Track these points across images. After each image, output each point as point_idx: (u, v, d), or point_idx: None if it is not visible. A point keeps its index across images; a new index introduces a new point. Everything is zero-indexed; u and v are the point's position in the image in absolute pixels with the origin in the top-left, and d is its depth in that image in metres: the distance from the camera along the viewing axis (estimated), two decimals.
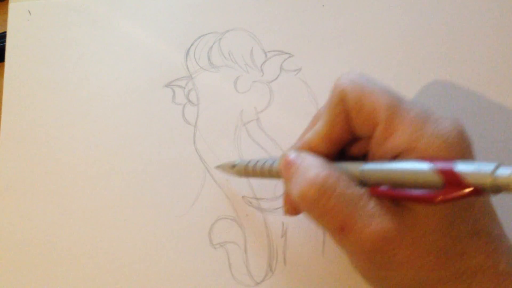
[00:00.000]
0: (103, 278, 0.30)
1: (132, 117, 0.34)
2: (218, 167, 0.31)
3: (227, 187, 0.32)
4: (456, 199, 0.18)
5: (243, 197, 0.32)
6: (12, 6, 0.37)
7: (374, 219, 0.20)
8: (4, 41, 0.36)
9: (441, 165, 0.18)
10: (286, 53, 0.35)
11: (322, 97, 0.34)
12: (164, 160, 0.33)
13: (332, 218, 0.21)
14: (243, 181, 0.32)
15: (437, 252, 0.20)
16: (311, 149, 0.24)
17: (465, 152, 0.20)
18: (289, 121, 0.33)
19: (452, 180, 0.18)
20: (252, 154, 0.33)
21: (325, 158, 0.23)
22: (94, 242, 0.31)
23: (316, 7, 0.36)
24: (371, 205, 0.20)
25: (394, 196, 0.20)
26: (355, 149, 0.24)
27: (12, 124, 0.34)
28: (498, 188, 0.17)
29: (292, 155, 0.23)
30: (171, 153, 0.33)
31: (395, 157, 0.21)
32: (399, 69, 0.34)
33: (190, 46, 0.35)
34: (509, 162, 0.32)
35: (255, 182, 0.32)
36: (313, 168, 0.22)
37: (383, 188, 0.20)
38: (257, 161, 0.27)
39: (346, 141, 0.24)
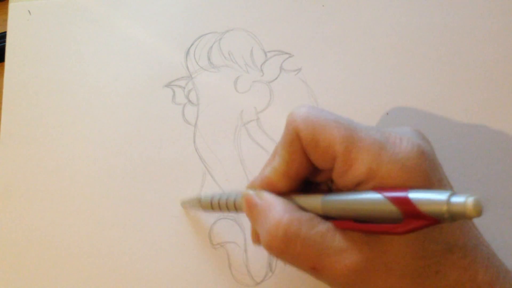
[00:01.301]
0: (103, 278, 0.30)
1: (132, 117, 0.34)
2: (183, 202, 0.31)
3: (227, 187, 0.32)
4: (416, 230, 0.18)
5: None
6: (12, 6, 0.37)
7: (343, 254, 0.20)
8: (4, 41, 0.36)
9: (395, 195, 0.19)
10: (286, 53, 0.35)
11: (322, 97, 0.34)
12: (164, 160, 0.33)
13: (302, 262, 0.21)
14: (243, 181, 0.32)
15: (411, 274, 0.20)
16: (271, 186, 0.24)
17: (426, 172, 0.20)
18: None
19: (409, 211, 0.18)
20: (252, 154, 0.33)
21: (286, 193, 0.23)
22: (94, 242, 0.31)
23: (316, 7, 0.36)
24: (337, 240, 0.21)
25: (357, 229, 0.20)
26: (319, 178, 0.24)
27: (12, 124, 0.34)
28: (454, 217, 0.17)
29: (252, 196, 0.24)
30: (171, 153, 0.33)
31: (358, 185, 0.21)
32: (399, 69, 0.34)
33: (190, 46, 0.35)
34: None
35: None
36: (273, 213, 0.22)
37: (346, 221, 0.21)
38: (221, 196, 0.27)
39: (306, 174, 0.23)
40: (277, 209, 0.22)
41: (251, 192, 0.24)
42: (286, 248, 0.21)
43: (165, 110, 0.34)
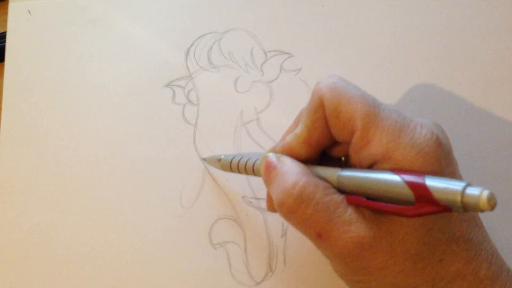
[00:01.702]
0: (103, 278, 0.30)
1: (132, 117, 0.34)
2: (204, 159, 0.32)
3: (227, 187, 0.32)
4: (426, 215, 0.18)
5: (243, 197, 0.32)
6: (12, 6, 0.37)
7: (351, 226, 0.20)
8: (4, 41, 0.36)
9: (412, 179, 0.19)
10: (286, 53, 0.35)
11: None
12: (164, 160, 0.33)
13: (310, 226, 0.21)
14: (243, 181, 0.32)
15: (414, 258, 0.20)
16: (291, 152, 0.24)
17: (441, 162, 0.20)
18: (289, 121, 0.33)
19: (423, 195, 0.18)
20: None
21: (304, 162, 0.23)
22: (94, 242, 0.31)
23: (316, 7, 0.36)
24: (348, 213, 0.21)
25: (368, 206, 0.20)
26: (337, 151, 0.24)
27: (12, 124, 0.34)
28: (466, 207, 0.17)
29: (272, 158, 0.24)
30: (171, 153, 0.33)
31: (372, 164, 0.21)
32: (399, 69, 0.34)
33: (190, 46, 0.35)
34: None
35: (255, 182, 0.32)
36: (291, 175, 0.22)
37: (358, 197, 0.21)
38: (241, 157, 0.27)
39: (326, 145, 0.24)
40: (296, 171, 0.22)
41: (271, 154, 0.24)
42: (297, 208, 0.21)
43: (165, 110, 0.34)
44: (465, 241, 0.21)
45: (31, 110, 0.34)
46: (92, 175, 0.33)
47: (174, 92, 0.34)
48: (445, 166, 0.21)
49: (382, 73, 0.34)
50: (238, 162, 0.27)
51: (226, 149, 0.33)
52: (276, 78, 0.34)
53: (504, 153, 0.32)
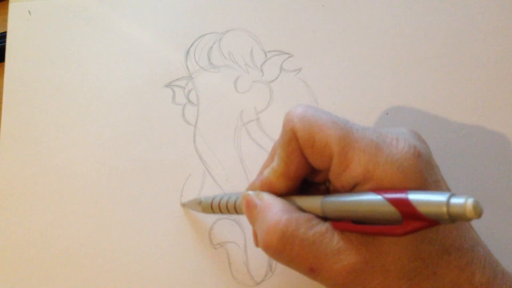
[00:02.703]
0: (103, 278, 0.30)
1: (132, 117, 0.34)
2: (183, 204, 0.31)
3: (227, 187, 0.32)
4: (415, 231, 0.18)
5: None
6: (12, 6, 0.37)
7: (340, 256, 0.20)
8: (4, 41, 0.36)
9: (395, 196, 0.19)
10: (286, 53, 0.35)
11: (322, 97, 0.34)
12: (164, 160, 0.33)
13: (299, 263, 0.21)
14: (243, 181, 0.32)
15: (408, 275, 0.20)
16: (271, 187, 0.24)
17: (422, 173, 0.20)
18: None
19: (408, 212, 0.18)
20: (252, 154, 0.33)
21: (286, 194, 0.23)
22: (94, 242, 0.31)
23: (316, 7, 0.36)
24: (335, 241, 0.21)
25: (355, 230, 0.20)
26: (318, 178, 0.24)
27: (12, 124, 0.34)
28: (453, 218, 0.17)
29: (252, 197, 0.24)
30: (171, 153, 0.33)
31: (354, 186, 0.21)
32: (399, 69, 0.34)
33: (190, 46, 0.35)
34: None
35: None
36: (271, 215, 0.22)
37: (345, 223, 0.21)
38: (221, 197, 0.27)
39: (305, 174, 0.23)
40: (275, 209, 0.22)
41: (250, 193, 0.24)
42: (283, 248, 0.21)
43: (165, 110, 0.34)
44: (456, 249, 0.21)
45: (31, 110, 0.34)
46: (92, 175, 0.33)
47: (174, 92, 0.34)
48: (427, 176, 0.20)
49: (382, 73, 0.34)
50: (219, 202, 0.27)
51: (226, 149, 0.33)
52: (276, 78, 0.34)
53: (498, 155, 0.32)
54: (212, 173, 0.32)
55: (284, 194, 0.24)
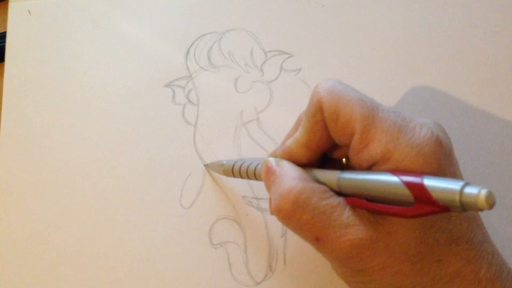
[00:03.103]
0: (103, 278, 0.30)
1: (132, 117, 0.34)
2: (207, 165, 0.32)
3: (227, 187, 0.32)
4: (426, 215, 0.18)
5: (243, 197, 0.32)
6: (12, 6, 0.37)
7: (348, 229, 0.21)
8: (4, 41, 0.36)
9: (411, 179, 0.19)
10: (286, 53, 0.35)
11: None
12: (164, 160, 0.33)
13: (307, 231, 0.21)
14: (243, 181, 0.32)
15: (412, 259, 0.21)
16: (292, 156, 0.24)
17: (441, 162, 0.20)
18: (289, 121, 0.33)
19: (422, 196, 0.18)
20: (252, 154, 0.33)
21: (305, 166, 0.24)
22: (94, 242, 0.31)
23: (316, 7, 0.36)
24: (345, 215, 0.21)
25: (368, 208, 0.21)
26: (337, 154, 0.24)
27: (12, 124, 0.34)
28: (465, 207, 0.17)
29: (272, 163, 0.24)
30: (171, 153, 0.33)
31: (372, 165, 0.21)
32: (399, 68, 0.34)
33: (190, 46, 0.35)
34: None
35: (255, 182, 0.32)
36: (288, 180, 0.22)
37: (358, 199, 0.21)
38: (243, 162, 0.28)
39: (326, 148, 0.24)
40: (292, 176, 0.22)
41: (271, 159, 0.24)
42: (294, 213, 0.21)
43: (165, 110, 0.34)
44: (466, 242, 0.21)
45: (31, 110, 0.34)
46: (92, 175, 0.33)
47: (174, 92, 0.34)
48: (445, 166, 0.20)
49: (383, 73, 0.34)
50: (240, 167, 0.28)
51: (226, 149, 0.33)
52: (276, 78, 0.34)
53: (505, 153, 0.32)
54: (212, 173, 0.32)
55: (304, 164, 0.24)
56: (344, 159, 0.25)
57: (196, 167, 0.32)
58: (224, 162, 0.29)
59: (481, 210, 0.17)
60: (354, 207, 0.21)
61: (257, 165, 0.26)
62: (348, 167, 0.24)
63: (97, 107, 0.34)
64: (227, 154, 0.33)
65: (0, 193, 0.32)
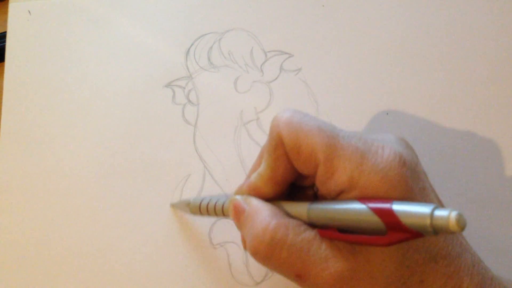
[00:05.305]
0: (103, 278, 0.30)
1: (132, 117, 0.34)
2: (173, 205, 0.31)
3: (227, 187, 0.32)
4: (399, 242, 0.18)
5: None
6: (12, 6, 0.37)
7: (328, 263, 0.20)
8: (4, 41, 0.36)
9: (379, 206, 0.18)
10: (286, 53, 0.35)
11: (322, 97, 0.34)
12: (164, 160, 0.33)
13: (287, 269, 0.21)
14: (243, 181, 0.32)
15: (395, 284, 0.20)
16: (258, 191, 0.23)
17: (408, 182, 0.20)
18: None
19: (392, 222, 0.18)
20: (252, 154, 0.33)
21: (273, 199, 0.23)
22: (94, 242, 0.31)
23: (316, 7, 0.36)
24: (323, 249, 0.21)
25: (340, 239, 0.20)
26: (305, 182, 0.24)
27: (12, 124, 0.34)
28: (436, 230, 0.17)
29: (240, 201, 0.24)
30: (171, 153, 0.33)
31: (340, 193, 0.21)
32: (399, 69, 0.34)
33: (190, 46, 0.35)
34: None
35: None
36: (260, 220, 0.22)
37: (330, 231, 0.20)
38: (210, 200, 0.27)
39: (292, 179, 0.23)
40: (264, 214, 0.22)
41: (238, 197, 0.24)
42: (271, 254, 0.21)
43: (165, 110, 0.34)
44: (443, 257, 0.21)
45: (31, 110, 0.34)
46: (91, 175, 0.33)
47: (174, 92, 0.34)
48: (413, 184, 0.20)
49: (382, 73, 0.34)
50: (207, 205, 0.27)
51: (226, 149, 0.33)
52: (276, 78, 0.34)
53: (499, 154, 0.32)
54: (212, 173, 0.32)
55: (271, 198, 0.23)
56: (315, 187, 0.25)
57: (196, 167, 0.32)
58: (191, 200, 0.29)
59: (453, 233, 0.17)
60: (327, 238, 0.21)
61: (224, 201, 0.26)
62: (319, 194, 0.24)
63: (97, 107, 0.34)
64: (227, 154, 0.33)
65: (0, 193, 0.32)
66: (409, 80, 0.34)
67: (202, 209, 0.27)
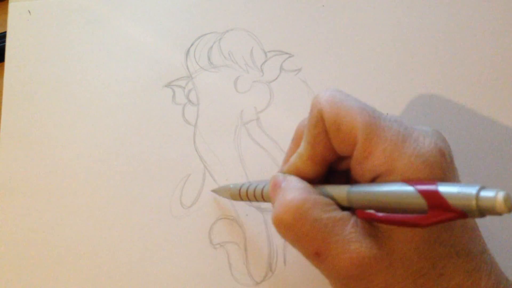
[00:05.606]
0: (103, 278, 0.30)
1: (132, 117, 0.34)
2: (214, 190, 0.31)
3: None
4: (441, 222, 0.18)
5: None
6: (12, 6, 0.37)
7: (350, 245, 0.20)
8: (4, 41, 0.36)
9: (426, 187, 0.18)
10: (286, 53, 0.35)
11: None
12: (164, 160, 0.33)
13: (307, 243, 0.21)
14: (243, 181, 0.32)
15: (414, 275, 0.20)
16: (298, 171, 0.23)
17: (445, 171, 0.20)
18: (289, 121, 0.33)
19: (437, 203, 0.18)
20: (252, 154, 0.33)
21: (310, 180, 0.23)
22: (94, 242, 0.31)
23: (316, 7, 0.36)
24: (348, 230, 0.20)
25: (380, 219, 0.20)
26: (343, 166, 0.24)
27: (12, 124, 0.34)
28: (482, 211, 0.17)
29: (279, 177, 0.24)
30: (171, 153, 0.33)
31: (376, 177, 0.21)
32: (399, 69, 0.34)
33: (190, 46, 0.35)
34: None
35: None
36: (292, 191, 0.22)
37: (370, 212, 0.20)
38: (250, 184, 0.27)
39: (331, 159, 0.23)
40: (296, 187, 0.22)
41: (279, 174, 0.24)
42: (294, 224, 0.21)
43: (165, 110, 0.34)
44: (466, 254, 0.21)
45: (31, 110, 0.34)
46: (91, 175, 0.33)
47: (174, 92, 0.34)
48: (449, 175, 0.20)
49: (383, 73, 0.34)
50: (247, 189, 0.27)
51: (226, 149, 0.33)
52: (276, 78, 0.34)
53: (499, 154, 0.32)
54: (212, 173, 0.32)
55: (311, 179, 0.23)
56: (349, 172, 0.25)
57: (196, 167, 0.32)
58: (231, 186, 0.29)
59: (500, 214, 0.16)
60: (363, 219, 0.21)
61: (264, 186, 0.26)
62: (349, 180, 0.24)
63: (97, 107, 0.34)
64: (227, 154, 0.33)
65: (0, 193, 0.32)
66: (409, 80, 0.34)
67: (242, 194, 0.28)
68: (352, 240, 0.20)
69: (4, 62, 0.36)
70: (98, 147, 0.33)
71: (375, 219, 0.20)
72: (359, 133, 0.20)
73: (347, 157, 0.23)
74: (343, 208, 0.22)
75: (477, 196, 0.17)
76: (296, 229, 0.21)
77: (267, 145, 0.33)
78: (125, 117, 0.34)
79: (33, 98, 0.35)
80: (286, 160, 0.25)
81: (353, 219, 0.21)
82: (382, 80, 0.34)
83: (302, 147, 0.23)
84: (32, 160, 0.33)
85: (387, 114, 0.22)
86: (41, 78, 0.35)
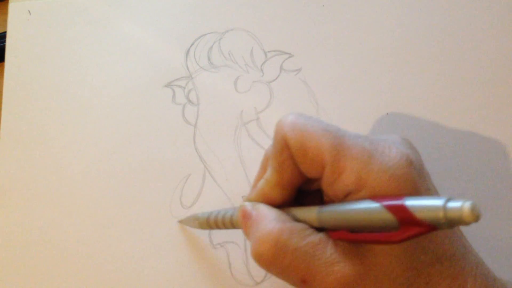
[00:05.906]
0: (103, 279, 0.30)
1: (132, 117, 0.34)
2: (181, 221, 0.31)
3: (227, 187, 0.32)
4: (413, 237, 0.18)
5: (243, 197, 0.32)
6: (12, 6, 0.37)
7: (334, 267, 0.20)
8: (4, 41, 0.36)
9: (392, 203, 0.18)
10: (286, 53, 0.35)
11: (322, 97, 0.34)
12: (164, 160, 0.33)
13: (291, 273, 0.21)
14: (243, 181, 0.32)
15: (401, 286, 0.20)
16: (266, 198, 0.23)
17: (415, 181, 0.20)
18: None
19: (405, 218, 0.18)
20: (252, 154, 0.33)
21: (281, 206, 0.23)
22: (94, 242, 0.31)
23: (316, 7, 0.36)
24: (329, 253, 0.20)
25: (352, 239, 0.20)
26: (312, 186, 0.24)
27: (12, 124, 0.34)
28: (450, 223, 0.17)
29: (248, 207, 0.23)
30: (171, 153, 0.33)
31: (347, 195, 0.21)
32: (399, 69, 0.34)
33: (190, 46, 0.35)
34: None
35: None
36: (265, 223, 0.21)
37: (341, 232, 0.20)
38: (218, 213, 0.27)
39: (299, 183, 0.23)
40: (269, 218, 0.22)
41: (247, 203, 0.24)
42: (275, 258, 0.21)
43: (165, 110, 0.34)
44: (448, 258, 0.21)
45: (31, 110, 0.34)
46: (91, 175, 0.33)
47: (174, 92, 0.34)
48: (419, 184, 0.20)
49: (383, 73, 0.34)
50: (216, 218, 0.27)
51: (226, 149, 0.33)
52: (276, 78, 0.34)
53: (499, 154, 0.32)
54: (212, 173, 0.32)
55: (280, 204, 0.23)
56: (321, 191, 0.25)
57: (196, 167, 0.32)
58: (199, 215, 0.29)
59: (468, 223, 0.16)
60: (337, 240, 0.21)
61: (232, 213, 0.26)
62: (325, 199, 0.24)
63: (97, 107, 0.34)
64: (227, 154, 0.33)
65: (0, 193, 0.32)
66: (409, 80, 0.34)
67: (211, 223, 0.27)
68: (334, 261, 0.20)
69: (4, 62, 0.36)
70: (98, 147, 0.33)
71: (347, 239, 0.20)
72: (326, 155, 0.21)
73: (317, 179, 0.23)
74: (318, 229, 0.22)
75: (444, 207, 0.17)
76: (278, 263, 0.21)
77: (267, 145, 0.33)
78: (125, 117, 0.34)
79: (33, 98, 0.35)
80: (254, 186, 0.25)
81: (331, 240, 0.21)
82: (382, 80, 0.34)
83: (269, 173, 0.23)
84: (32, 160, 0.33)
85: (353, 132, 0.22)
86: (41, 78, 0.35)
